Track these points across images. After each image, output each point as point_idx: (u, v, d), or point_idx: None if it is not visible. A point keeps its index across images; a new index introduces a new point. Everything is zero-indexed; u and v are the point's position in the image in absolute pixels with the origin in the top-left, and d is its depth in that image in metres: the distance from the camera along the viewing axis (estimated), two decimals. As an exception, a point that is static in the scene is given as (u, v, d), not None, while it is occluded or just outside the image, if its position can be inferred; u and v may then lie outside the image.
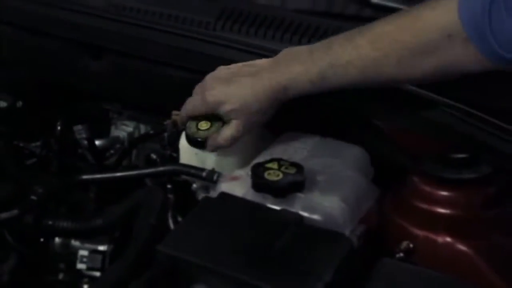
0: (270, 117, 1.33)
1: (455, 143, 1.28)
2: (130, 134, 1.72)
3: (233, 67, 1.34)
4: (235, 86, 1.30)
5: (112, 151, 1.70)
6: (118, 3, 1.55)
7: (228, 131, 1.31)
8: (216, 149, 1.34)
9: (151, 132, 1.63)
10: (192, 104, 1.35)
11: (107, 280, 1.17)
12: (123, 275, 1.15)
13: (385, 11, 1.43)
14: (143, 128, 1.72)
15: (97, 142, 1.66)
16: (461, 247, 1.19)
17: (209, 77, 1.34)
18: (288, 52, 1.31)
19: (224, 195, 1.23)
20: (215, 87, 1.32)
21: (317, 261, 1.09)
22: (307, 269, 1.08)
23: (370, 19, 1.50)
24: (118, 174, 1.42)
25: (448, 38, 1.18)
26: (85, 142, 1.61)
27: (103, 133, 1.74)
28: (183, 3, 1.51)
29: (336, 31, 1.36)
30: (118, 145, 1.71)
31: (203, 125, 1.33)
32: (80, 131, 1.59)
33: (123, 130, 1.73)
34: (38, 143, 1.63)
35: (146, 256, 1.15)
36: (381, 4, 1.57)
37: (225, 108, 1.30)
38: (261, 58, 1.39)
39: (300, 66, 1.28)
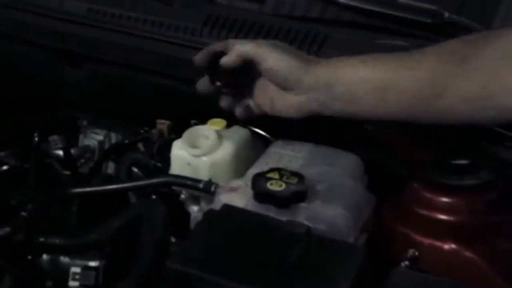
0: None
1: (453, 149, 1.27)
2: (100, 143, 1.68)
3: None
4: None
5: (82, 161, 1.66)
6: (99, 9, 1.50)
7: None
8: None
9: (126, 141, 1.60)
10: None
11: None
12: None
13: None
14: (114, 137, 1.68)
15: (65, 152, 1.61)
16: (467, 253, 1.19)
17: None
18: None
19: (227, 207, 1.20)
20: None
21: (333, 272, 1.07)
22: (324, 281, 1.06)
23: (348, 23, 1.51)
24: (109, 187, 1.37)
25: None
26: (55, 152, 1.57)
27: (72, 142, 1.69)
28: (168, 9, 1.47)
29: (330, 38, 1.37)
30: (88, 154, 1.67)
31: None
32: (56, 141, 1.54)
33: (92, 138, 1.69)
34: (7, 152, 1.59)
35: (154, 273, 1.12)
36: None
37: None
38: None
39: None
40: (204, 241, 1.14)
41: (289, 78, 1.27)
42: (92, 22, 1.48)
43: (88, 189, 1.38)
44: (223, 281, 1.06)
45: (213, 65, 1.32)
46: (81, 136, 1.70)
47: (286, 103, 1.30)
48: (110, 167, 1.64)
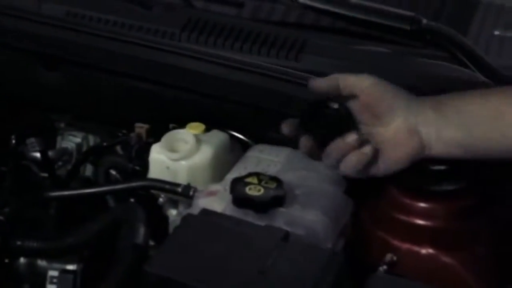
0: None
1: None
2: (78, 145, 1.67)
3: None
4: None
5: (60, 163, 1.65)
6: (77, 12, 1.49)
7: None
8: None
9: (104, 144, 1.59)
10: None
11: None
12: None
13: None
14: (92, 139, 1.68)
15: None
16: (445, 258, 1.20)
17: None
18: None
19: (206, 212, 1.20)
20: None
21: (310, 278, 1.07)
22: (300, 287, 1.06)
23: (326, 29, 1.52)
24: (88, 190, 1.37)
25: None
26: (33, 154, 1.56)
27: (49, 144, 1.68)
28: (147, 13, 1.47)
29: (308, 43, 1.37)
30: (65, 157, 1.66)
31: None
32: (33, 144, 1.54)
33: (70, 141, 1.68)
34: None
35: (132, 278, 1.11)
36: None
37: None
38: (229, 70, 1.38)
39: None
40: (182, 246, 1.13)
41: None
42: (70, 25, 1.47)
43: (65, 192, 1.38)
44: (199, 286, 1.06)
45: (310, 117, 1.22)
46: (58, 138, 1.69)
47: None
48: (88, 170, 1.63)
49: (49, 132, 1.68)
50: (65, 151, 1.66)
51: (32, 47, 1.52)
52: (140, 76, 1.45)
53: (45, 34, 1.50)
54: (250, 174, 1.24)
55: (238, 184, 1.22)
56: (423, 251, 1.21)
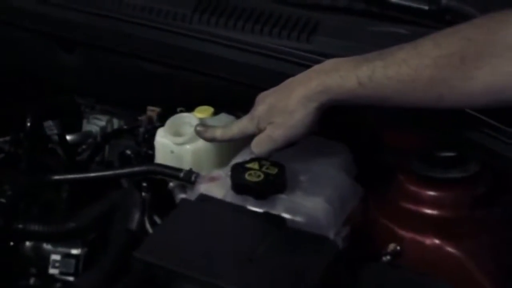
0: (310, 130, 1.21)
1: (442, 140, 1.23)
2: (102, 129, 1.66)
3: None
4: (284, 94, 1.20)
5: (84, 146, 1.65)
6: (91, -4, 1.48)
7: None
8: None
9: (125, 127, 1.58)
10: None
11: (81, 289, 1.12)
12: (98, 283, 1.10)
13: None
14: (116, 123, 1.67)
15: (68, 137, 1.60)
16: (449, 249, 1.15)
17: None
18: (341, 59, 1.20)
19: (203, 197, 1.18)
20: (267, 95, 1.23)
21: (302, 266, 1.05)
22: (291, 275, 1.04)
23: (352, 10, 1.47)
24: (92, 174, 1.36)
25: None
26: (56, 137, 1.56)
27: (75, 127, 1.68)
28: (158, -5, 1.45)
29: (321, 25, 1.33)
30: (90, 140, 1.66)
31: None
32: (51, 127, 1.53)
33: (95, 124, 1.68)
34: (6, 138, 1.58)
35: (123, 263, 1.10)
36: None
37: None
38: (239, 52, 1.35)
39: (349, 64, 1.16)
40: (175, 232, 1.12)
41: None
42: (84, 7, 1.46)
43: (70, 176, 1.37)
44: (189, 273, 1.04)
45: None
46: (84, 122, 1.70)
47: None
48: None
49: (74, 116, 1.69)
50: (89, 135, 1.67)
51: (49, 30, 1.52)
52: (152, 59, 1.44)
53: (61, 17, 1.50)
54: (252, 160, 1.21)
55: (237, 169, 1.19)
56: (428, 241, 1.16)
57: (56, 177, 1.36)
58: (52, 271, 1.28)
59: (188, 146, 1.31)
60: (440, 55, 1.10)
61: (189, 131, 1.31)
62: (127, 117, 1.63)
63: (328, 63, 1.18)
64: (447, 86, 1.11)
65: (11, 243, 1.31)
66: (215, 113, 1.36)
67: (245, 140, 1.33)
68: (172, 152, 1.31)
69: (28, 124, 1.50)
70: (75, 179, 1.36)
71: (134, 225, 1.19)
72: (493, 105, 1.12)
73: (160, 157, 1.33)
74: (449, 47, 1.10)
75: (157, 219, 1.37)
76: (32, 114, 1.50)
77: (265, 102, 1.21)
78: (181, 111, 1.37)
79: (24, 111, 1.54)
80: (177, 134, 1.32)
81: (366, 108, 1.20)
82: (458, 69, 1.10)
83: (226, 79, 1.38)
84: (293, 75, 1.23)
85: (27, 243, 1.31)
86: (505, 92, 1.09)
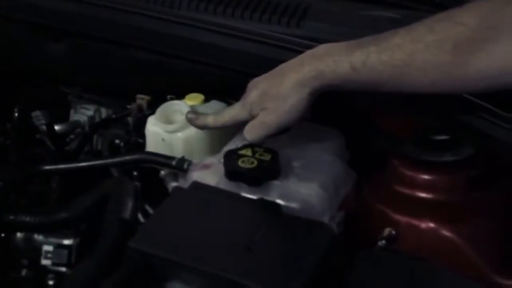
0: (303, 115, 1.20)
1: (436, 124, 1.23)
2: (90, 118, 1.64)
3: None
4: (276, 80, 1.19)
5: (72, 136, 1.63)
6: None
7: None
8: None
9: (114, 116, 1.57)
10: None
11: (75, 280, 1.10)
12: (93, 273, 1.09)
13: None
14: (104, 112, 1.65)
15: (56, 127, 1.58)
16: (445, 232, 1.15)
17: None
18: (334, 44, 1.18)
19: (196, 185, 1.17)
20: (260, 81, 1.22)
21: (298, 253, 1.04)
22: (288, 261, 1.03)
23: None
24: (82, 164, 1.35)
25: None
26: (44, 127, 1.54)
27: (62, 117, 1.66)
28: (146, -19, 1.43)
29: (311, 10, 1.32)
30: (78, 130, 1.64)
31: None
32: (39, 117, 1.51)
33: (83, 114, 1.65)
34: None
35: (117, 253, 1.09)
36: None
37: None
38: (229, 38, 1.34)
39: (342, 49, 1.15)
40: (169, 220, 1.11)
41: None
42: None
43: (60, 166, 1.36)
44: (185, 262, 1.03)
45: None
46: (71, 111, 1.68)
47: None
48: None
49: (61, 105, 1.67)
50: (77, 124, 1.64)
51: (36, 19, 1.50)
52: (140, 46, 1.42)
53: (48, 6, 1.48)
54: (244, 146, 1.20)
55: (230, 156, 1.18)
56: (423, 225, 1.16)
57: (47, 167, 1.34)
58: (44, 262, 1.27)
59: (179, 134, 1.29)
60: (433, 40, 1.10)
61: (180, 118, 1.30)
62: (115, 106, 1.61)
63: (321, 48, 1.18)
64: (440, 72, 1.10)
65: (2, 235, 1.29)
66: (206, 100, 1.35)
67: (237, 127, 1.32)
68: (163, 140, 1.30)
69: (16, 114, 1.48)
70: (66, 169, 1.34)
71: (127, 214, 1.17)
72: (488, 90, 1.12)
73: (152, 145, 1.32)
74: (442, 32, 1.10)
75: (148, 208, 1.37)
76: (20, 104, 1.48)
77: (257, 88, 1.20)
78: (171, 99, 1.36)
79: (11, 101, 1.53)
80: (168, 122, 1.31)
81: (359, 93, 1.19)
82: (450, 54, 1.09)
83: (216, 66, 1.37)
84: (283, 61, 1.22)
85: (19, 234, 1.30)
86: (500, 78, 1.08)
